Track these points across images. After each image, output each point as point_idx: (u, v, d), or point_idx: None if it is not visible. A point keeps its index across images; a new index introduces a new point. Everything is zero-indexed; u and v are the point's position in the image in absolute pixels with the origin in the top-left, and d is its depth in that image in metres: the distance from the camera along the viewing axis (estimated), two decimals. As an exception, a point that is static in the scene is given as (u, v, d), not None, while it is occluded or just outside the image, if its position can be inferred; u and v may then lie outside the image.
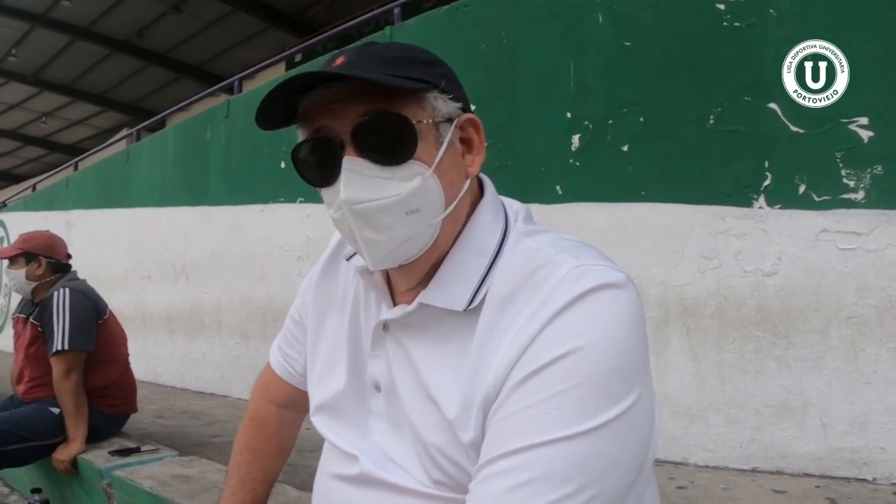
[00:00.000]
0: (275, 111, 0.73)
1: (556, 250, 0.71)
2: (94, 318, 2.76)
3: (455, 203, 0.74)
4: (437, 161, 0.72)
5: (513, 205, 0.82)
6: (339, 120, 0.70)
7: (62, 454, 2.60)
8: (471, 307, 0.72)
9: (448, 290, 0.74)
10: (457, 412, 0.70)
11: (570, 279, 0.66)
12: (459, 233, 0.77)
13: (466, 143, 0.78)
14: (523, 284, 0.70)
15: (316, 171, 0.74)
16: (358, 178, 0.69)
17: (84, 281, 2.94)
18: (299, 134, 0.76)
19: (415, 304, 0.76)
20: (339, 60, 0.72)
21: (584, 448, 0.61)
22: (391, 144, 0.70)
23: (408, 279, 0.79)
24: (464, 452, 0.70)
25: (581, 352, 0.62)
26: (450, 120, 0.75)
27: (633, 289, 0.68)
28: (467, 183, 0.77)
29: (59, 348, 2.58)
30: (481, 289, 0.73)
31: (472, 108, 0.82)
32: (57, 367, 2.59)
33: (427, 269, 0.77)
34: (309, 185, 0.76)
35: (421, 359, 0.76)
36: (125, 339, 3.03)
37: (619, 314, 0.65)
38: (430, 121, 0.72)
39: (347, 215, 0.71)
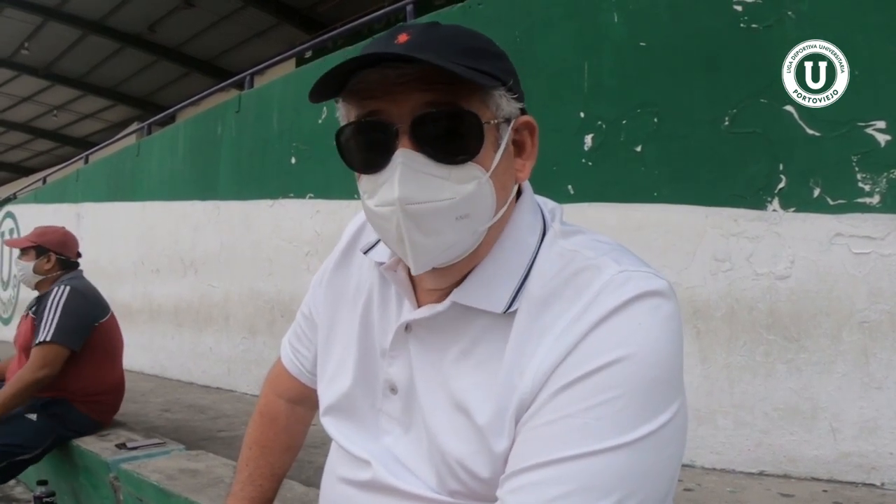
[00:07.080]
0: (330, 84, 0.66)
1: (595, 253, 0.68)
2: (87, 319, 2.69)
3: (503, 210, 0.70)
4: (494, 165, 0.67)
5: (547, 203, 0.78)
6: (399, 106, 0.64)
7: None
8: (510, 310, 0.68)
9: (487, 291, 0.70)
10: (489, 420, 0.67)
11: (614, 285, 0.64)
12: (499, 231, 0.73)
13: (519, 145, 0.74)
14: (562, 288, 0.67)
15: (362, 155, 0.68)
16: (413, 175, 0.64)
17: (87, 281, 2.91)
18: (340, 109, 0.71)
19: (447, 302, 0.72)
20: (402, 37, 0.66)
21: (625, 460, 0.58)
22: (454, 143, 0.64)
23: (439, 281, 0.74)
24: (491, 464, 0.67)
25: (624, 362, 0.60)
26: (508, 121, 0.70)
27: (674, 297, 0.66)
28: (515, 188, 0.72)
29: (42, 339, 2.51)
30: (521, 291, 0.69)
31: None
32: (34, 357, 2.51)
33: (467, 270, 0.72)
34: (351, 169, 0.71)
35: (449, 363, 0.72)
36: (122, 345, 2.97)
37: (662, 323, 0.63)
38: (493, 121, 0.67)
39: (399, 215, 0.64)
